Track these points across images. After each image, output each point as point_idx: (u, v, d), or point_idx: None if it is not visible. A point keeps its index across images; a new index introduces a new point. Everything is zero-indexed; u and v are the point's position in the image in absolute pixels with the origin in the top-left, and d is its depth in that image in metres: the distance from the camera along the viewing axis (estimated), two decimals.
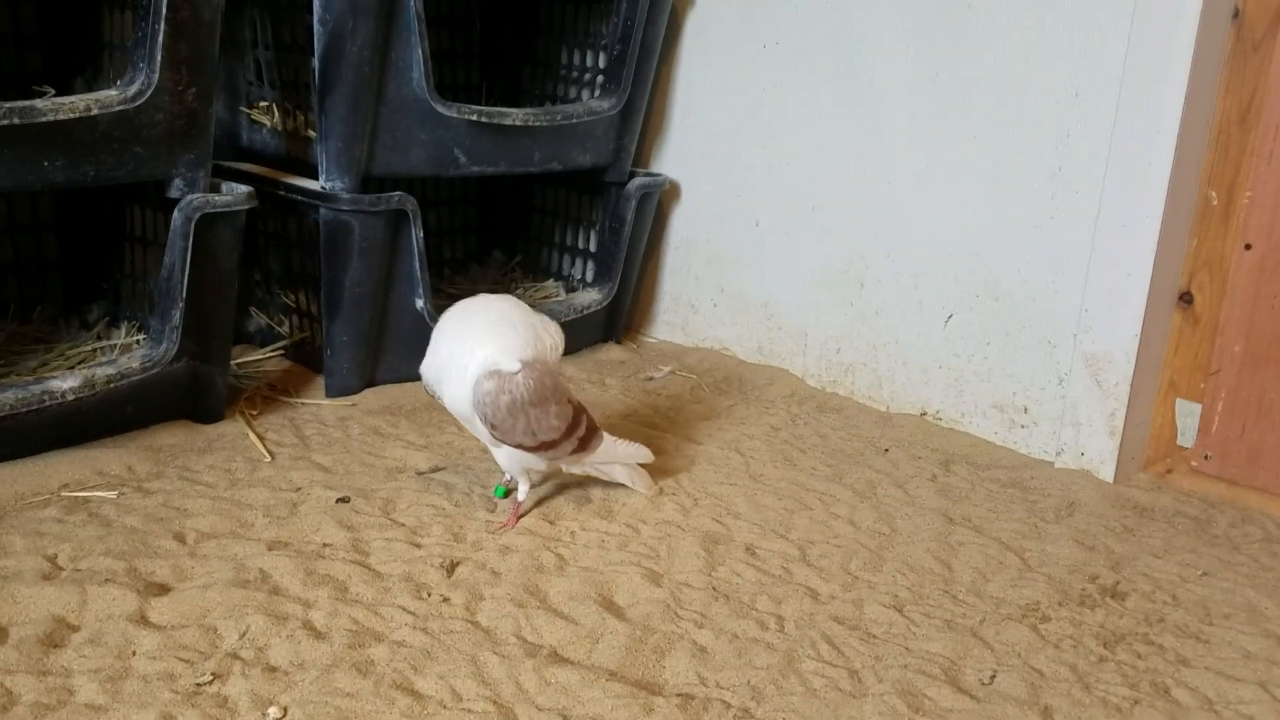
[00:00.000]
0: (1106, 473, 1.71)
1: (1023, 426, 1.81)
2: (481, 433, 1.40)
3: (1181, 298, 1.72)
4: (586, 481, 1.56)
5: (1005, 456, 1.79)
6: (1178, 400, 1.75)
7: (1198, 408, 1.73)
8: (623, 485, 1.54)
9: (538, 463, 1.44)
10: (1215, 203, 1.67)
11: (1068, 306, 1.74)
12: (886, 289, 1.94)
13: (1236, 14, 1.61)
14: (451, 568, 1.31)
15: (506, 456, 1.42)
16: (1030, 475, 1.72)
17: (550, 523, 1.45)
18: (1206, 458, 1.72)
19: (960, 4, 1.78)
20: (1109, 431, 1.71)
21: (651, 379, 2.05)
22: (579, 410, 1.44)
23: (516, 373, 1.36)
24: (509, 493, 1.49)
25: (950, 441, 1.83)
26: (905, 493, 1.62)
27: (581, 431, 1.43)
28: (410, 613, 1.21)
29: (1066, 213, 1.72)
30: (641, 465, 1.54)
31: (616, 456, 1.50)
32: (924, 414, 1.92)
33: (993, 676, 1.18)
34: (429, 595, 1.25)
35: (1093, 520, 1.57)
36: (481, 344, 1.37)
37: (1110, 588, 1.39)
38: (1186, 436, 1.75)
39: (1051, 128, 1.71)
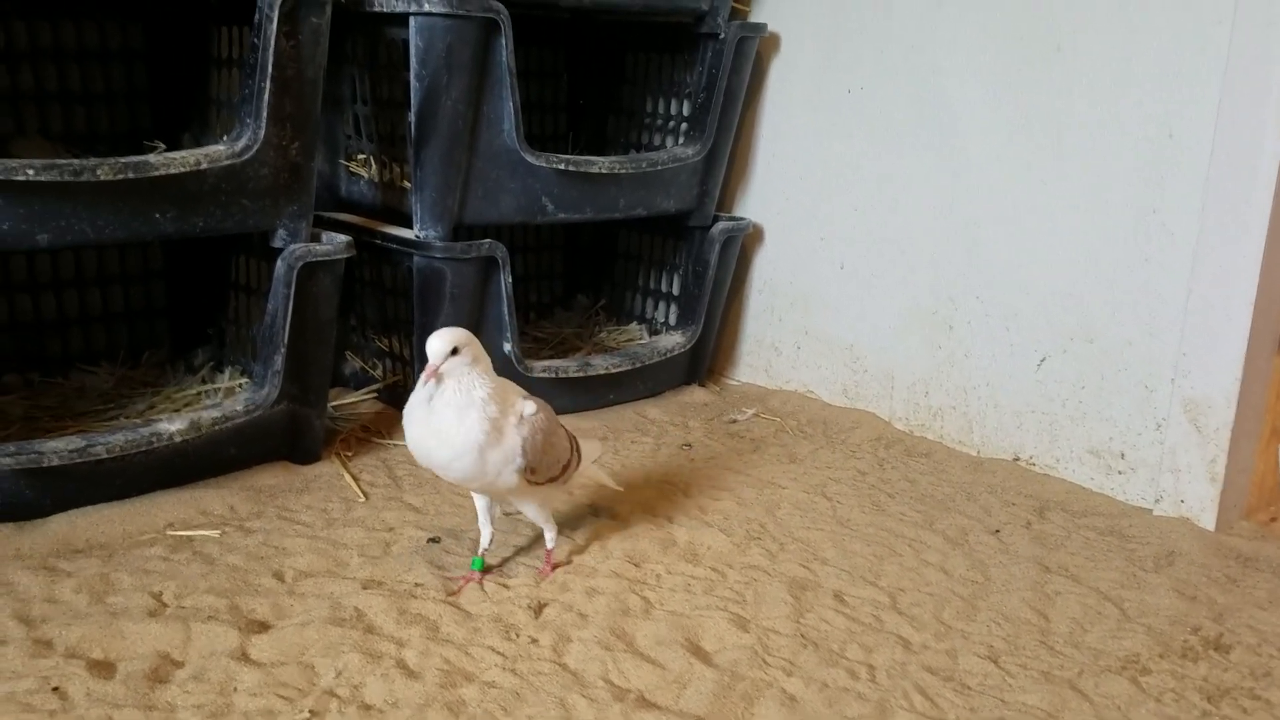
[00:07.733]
0: (1208, 520, 1.66)
1: (1120, 473, 1.77)
2: (505, 489, 1.35)
3: None
4: (671, 524, 1.56)
5: (1102, 503, 1.75)
6: None
7: None
8: (707, 527, 1.54)
9: (562, 493, 1.45)
10: None
11: (1165, 350, 1.70)
12: (976, 331, 1.92)
13: None
14: (539, 609, 1.32)
15: (538, 502, 1.40)
16: (1128, 523, 1.67)
17: (636, 565, 1.45)
18: None
19: (1049, 47, 1.77)
20: (1209, 478, 1.65)
21: (735, 421, 2.05)
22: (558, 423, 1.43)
23: (536, 412, 1.35)
24: (488, 568, 1.41)
25: (1044, 487, 1.79)
26: (999, 540, 1.59)
27: (576, 441, 1.45)
28: (500, 653, 1.22)
29: (1162, 255, 1.69)
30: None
31: (590, 449, 1.49)
32: (1017, 459, 1.89)
33: None
34: (518, 636, 1.26)
35: (1194, 570, 1.53)
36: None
37: (1213, 640, 1.34)
38: None
39: (1145, 169, 1.69)
